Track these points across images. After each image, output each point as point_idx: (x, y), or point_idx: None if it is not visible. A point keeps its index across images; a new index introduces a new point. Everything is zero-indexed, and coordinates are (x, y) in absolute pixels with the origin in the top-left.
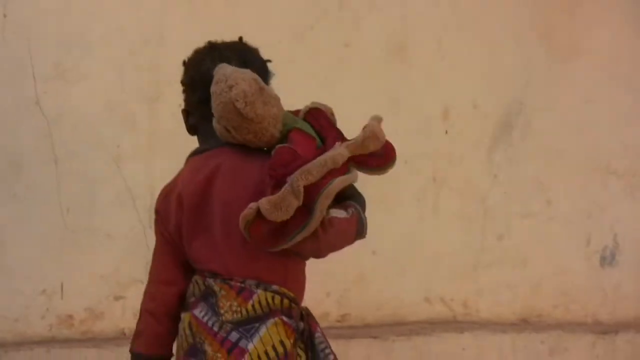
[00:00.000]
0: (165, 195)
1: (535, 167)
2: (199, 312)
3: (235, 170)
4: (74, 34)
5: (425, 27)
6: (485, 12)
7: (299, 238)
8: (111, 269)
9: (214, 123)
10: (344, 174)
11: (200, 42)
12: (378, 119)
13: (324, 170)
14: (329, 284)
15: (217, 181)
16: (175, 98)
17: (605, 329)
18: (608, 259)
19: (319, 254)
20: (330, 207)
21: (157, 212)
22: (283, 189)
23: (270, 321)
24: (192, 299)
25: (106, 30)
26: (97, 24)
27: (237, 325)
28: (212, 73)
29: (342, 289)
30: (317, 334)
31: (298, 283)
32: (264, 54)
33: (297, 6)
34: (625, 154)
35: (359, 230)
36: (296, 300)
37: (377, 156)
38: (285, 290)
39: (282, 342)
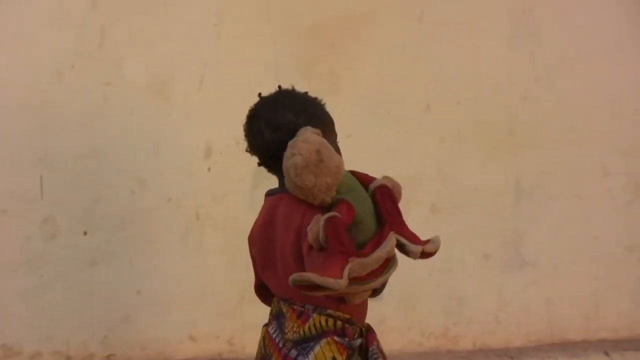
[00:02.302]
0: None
1: None
2: (272, 329)
3: (286, 216)
4: None
5: (187, 64)
6: (246, 47)
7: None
8: None
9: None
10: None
11: None
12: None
13: (377, 266)
14: (93, 323)
15: (275, 224)
16: None
17: None
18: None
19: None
20: None
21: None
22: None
23: (323, 341)
24: (270, 317)
25: None
26: None
27: (296, 343)
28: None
29: (107, 329)
30: (372, 348)
31: (354, 306)
32: (25, 95)
33: (56, 45)
34: None
35: (379, 290)
36: (352, 320)
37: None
38: (340, 313)
39: (334, 358)
